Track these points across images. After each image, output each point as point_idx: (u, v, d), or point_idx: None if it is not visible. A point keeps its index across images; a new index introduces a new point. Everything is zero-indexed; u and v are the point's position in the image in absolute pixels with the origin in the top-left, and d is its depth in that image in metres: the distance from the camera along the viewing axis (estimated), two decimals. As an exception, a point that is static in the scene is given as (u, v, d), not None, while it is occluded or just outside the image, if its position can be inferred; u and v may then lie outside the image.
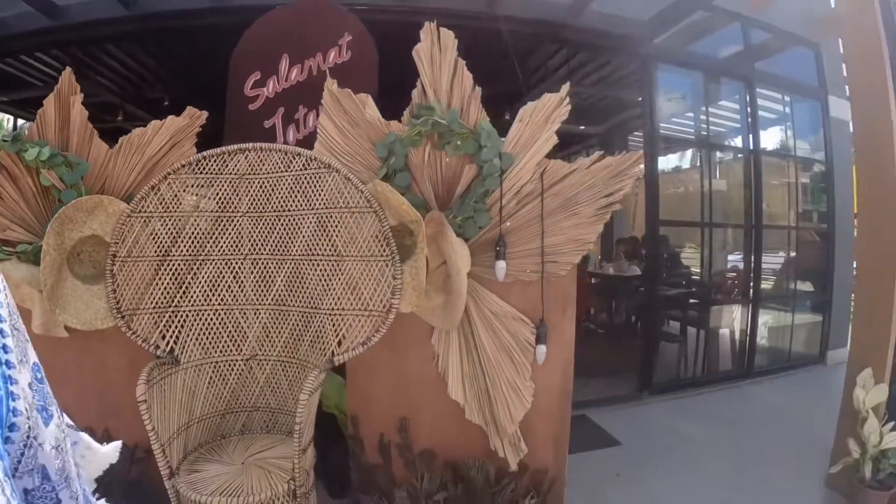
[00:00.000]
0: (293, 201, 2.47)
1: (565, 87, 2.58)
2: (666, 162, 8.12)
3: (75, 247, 2.49)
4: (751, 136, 5.82)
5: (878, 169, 3.30)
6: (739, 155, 6.21)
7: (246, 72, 3.31)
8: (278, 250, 2.52)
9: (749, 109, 5.77)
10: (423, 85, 2.59)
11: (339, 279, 2.37)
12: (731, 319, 6.23)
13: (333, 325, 2.37)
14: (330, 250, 2.40)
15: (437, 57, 2.56)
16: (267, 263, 2.53)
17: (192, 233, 2.45)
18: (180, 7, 4.37)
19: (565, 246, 2.63)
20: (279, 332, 2.56)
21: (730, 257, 6.62)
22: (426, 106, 2.59)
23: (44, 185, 2.52)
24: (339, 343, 2.34)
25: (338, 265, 2.38)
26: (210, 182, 2.44)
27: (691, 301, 6.33)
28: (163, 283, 2.40)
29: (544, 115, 2.58)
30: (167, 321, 2.40)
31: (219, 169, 2.45)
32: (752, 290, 5.93)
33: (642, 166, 4.51)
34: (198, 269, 2.46)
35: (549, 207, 2.60)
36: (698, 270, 6.19)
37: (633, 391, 5.17)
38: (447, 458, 2.73)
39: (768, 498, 3.40)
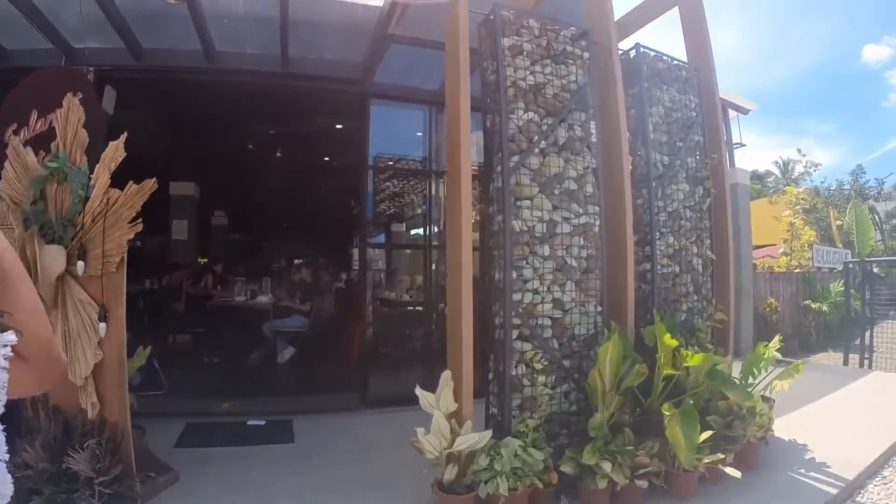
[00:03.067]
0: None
1: (123, 136, 3.62)
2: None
3: None
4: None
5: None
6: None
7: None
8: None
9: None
10: (58, 138, 3.76)
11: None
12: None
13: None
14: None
15: (69, 118, 3.72)
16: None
17: None
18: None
19: (116, 250, 3.61)
20: None
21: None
22: (56, 154, 3.76)
23: None
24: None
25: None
26: None
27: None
28: None
29: (110, 157, 3.63)
30: None
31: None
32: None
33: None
34: None
35: (109, 222, 3.62)
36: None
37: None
38: (63, 410, 3.67)
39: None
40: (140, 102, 6.89)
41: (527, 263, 3.90)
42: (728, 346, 5.18)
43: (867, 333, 8.87)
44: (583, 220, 4.14)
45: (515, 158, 3.91)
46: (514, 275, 3.85)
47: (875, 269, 10.03)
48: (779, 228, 14.19)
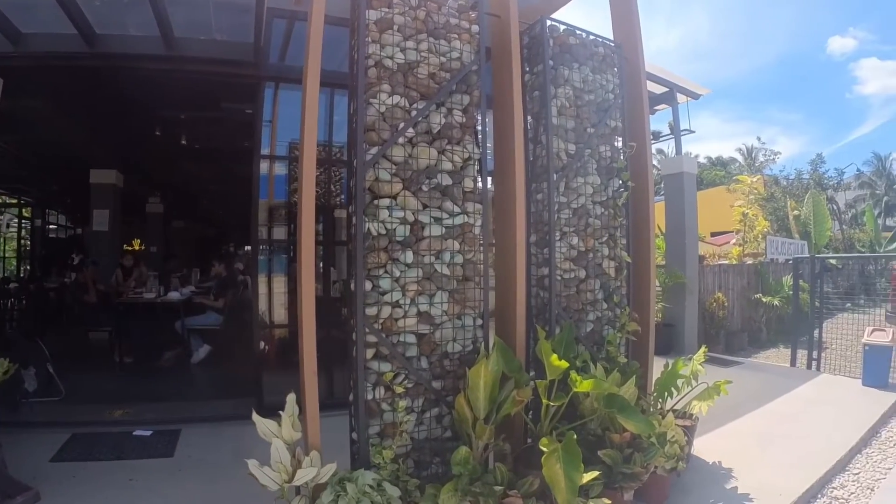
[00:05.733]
0: None
1: None
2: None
3: None
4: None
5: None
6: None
7: None
8: None
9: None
10: None
11: None
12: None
13: None
14: None
15: None
16: None
17: None
18: None
19: None
20: None
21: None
22: None
23: None
24: None
25: None
26: None
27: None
28: None
29: None
30: None
31: None
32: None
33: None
34: None
35: None
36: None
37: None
38: None
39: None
40: (27, 91, 6.38)
41: (385, 272, 3.29)
42: (646, 359, 4.62)
43: (816, 331, 8.36)
44: (459, 220, 3.53)
45: (373, 150, 3.27)
46: (369, 285, 3.24)
47: (832, 262, 9.59)
48: (732, 217, 13.78)
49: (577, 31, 4.51)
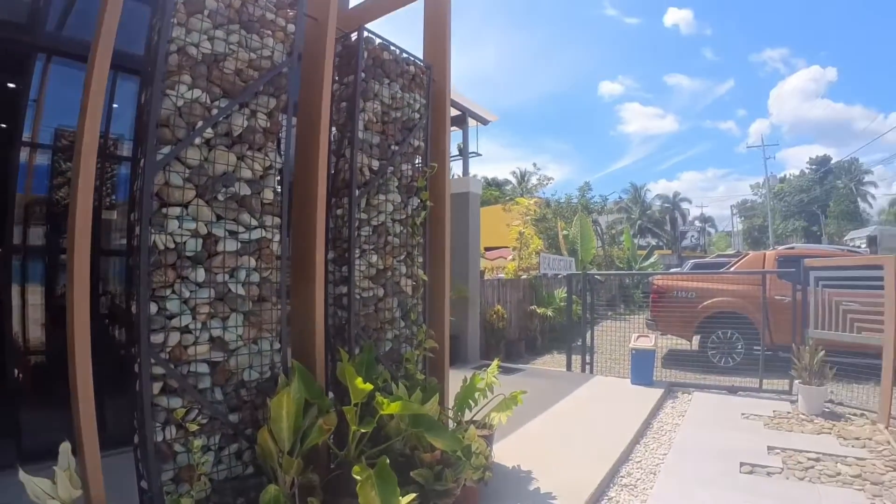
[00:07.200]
0: None
1: None
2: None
3: None
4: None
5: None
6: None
7: None
8: None
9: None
10: None
11: None
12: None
13: None
14: None
15: None
16: None
17: None
18: None
19: None
20: None
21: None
22: None
23: None
24: None
25: None
26: None
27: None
28: None
29: None
30: None
31: None
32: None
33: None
34: None
35: None
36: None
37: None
38: None
39: None
40: None
41: (173, 292, 2.96)
42: (443, 374, 4.78)
43: (589, 338, 9.44)
44: (256, 234, 3.32)
45: (166, 149, 2.95)
46: (154, 308, 2.89)
47: (596, 277, 10.79)
48: (510, 235, 14.92)
49: (392, 47, 4.53)
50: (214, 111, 3.16)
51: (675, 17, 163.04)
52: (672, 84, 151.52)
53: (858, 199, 65.39)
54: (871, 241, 21.75)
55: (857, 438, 5.66)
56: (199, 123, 3.08)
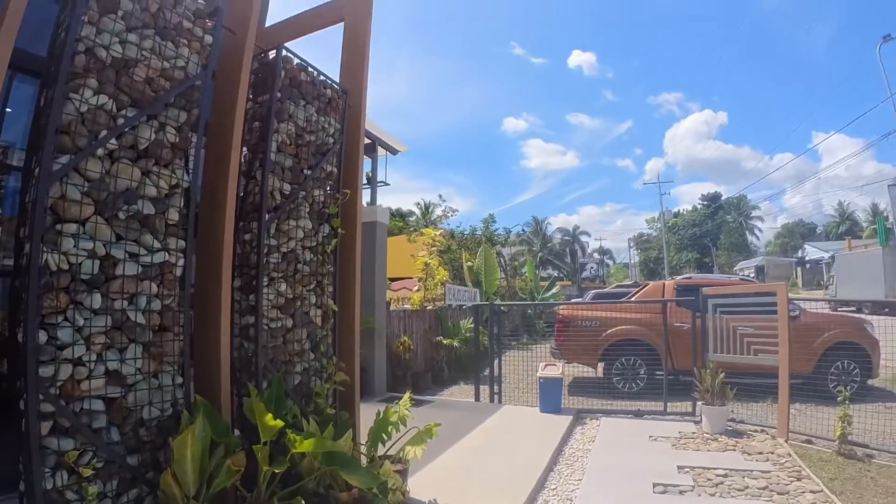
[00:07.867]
0: None
1: None
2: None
3: None
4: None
5: None
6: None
7: None
8: None
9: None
10: None
11: None
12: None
13: None
14: None
15: None
16: None
17: None
18: None
19: None
20: None
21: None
22: None
23: None
24: None
25: None
26: None
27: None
28: None
29: None
30: None
31: None
32: None
33: None
34: None
35: None
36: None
37: None
38: None
39: None
40: None
41: (65, 319, 2.69)
42: (354, 408, 4.64)
43: (496, 369, 9.46)
44: (160, 257, 3.11)
45: (64, 159, 2.72)
46: (44, 337, 2.62)
47: (501, 308, 10.92)
48: (415, 266, 14.90)
49: (310, 69, 4.45)
50: (121, 120, 2.96)
51: (579, 59, 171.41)
52: (574, 123, 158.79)
53: (747, 233, 72.00)
54: (759, 270, 23.59)
55: (761, 453, 6.00)
56: (104, 133, 2.87)
